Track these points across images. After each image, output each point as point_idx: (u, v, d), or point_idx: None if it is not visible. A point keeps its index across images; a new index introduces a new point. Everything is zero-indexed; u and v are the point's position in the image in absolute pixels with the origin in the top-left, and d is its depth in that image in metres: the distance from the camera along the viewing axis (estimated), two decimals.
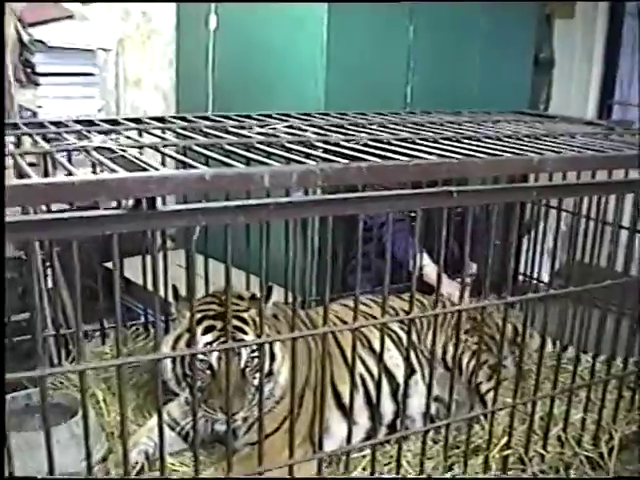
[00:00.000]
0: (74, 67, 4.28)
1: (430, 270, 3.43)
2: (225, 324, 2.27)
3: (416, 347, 2.92)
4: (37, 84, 4.13)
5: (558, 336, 2.82)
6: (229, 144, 2.07)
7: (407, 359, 2.35)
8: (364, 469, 2.44)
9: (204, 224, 1.73)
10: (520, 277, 3.89)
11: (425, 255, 3.54)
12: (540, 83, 5.22)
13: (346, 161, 1.80)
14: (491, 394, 2.60)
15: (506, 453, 2.47)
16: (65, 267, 3.23)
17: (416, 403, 2.77)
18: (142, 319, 3.22)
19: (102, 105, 4.43)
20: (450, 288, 3.39)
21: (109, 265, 3.11)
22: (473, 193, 1.99)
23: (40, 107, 4.12)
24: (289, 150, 2.06)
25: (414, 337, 2.91)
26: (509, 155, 2.04)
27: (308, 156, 1.96)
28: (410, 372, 2.72)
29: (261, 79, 4.19)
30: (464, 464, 2.40)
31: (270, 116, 2.79)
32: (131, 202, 1.61)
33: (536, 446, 2.57)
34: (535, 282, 3.70)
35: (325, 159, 1.87)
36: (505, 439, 2.48)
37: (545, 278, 3.65)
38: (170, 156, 1.95)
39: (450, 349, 2.88)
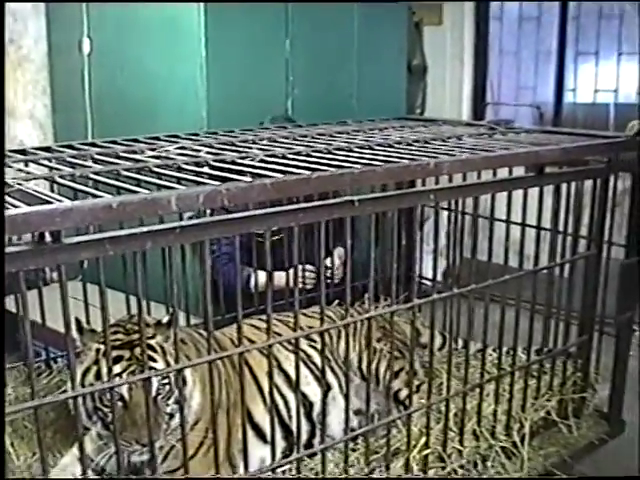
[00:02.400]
0: None
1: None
2: (132, 353, 2.26)
3: (330, 361, 2.91)
4: None
5: (461, 334, 2.91)
6: (125, 169, 2.03)
7: (323, 375, 2.37)
8: None
9: (112, 253, 1.70)
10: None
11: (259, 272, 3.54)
12: (415, 89, 5.36)
13: (249, 179, 1.80)
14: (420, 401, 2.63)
15: (425, 453, 2.51)
16: None
17: (335, 420, 2.74)
18: (43, 356, 3.10)
19: None
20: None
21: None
22: (374, 200, 2.02)
23: None
24: (187, 172, 2.04)
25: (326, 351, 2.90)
26: (406, 161, 2.08)
27: (210, 177, 1.94)
28: (326, 388, 2.71)
29: (141, 102, 4.13)
30: (386, 467, 2.42)
31: (158, 138, 2.75)
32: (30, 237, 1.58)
33: (453, 442, 2.62)
34: (427, 283, 3.77)
35: (226, 178, 1.86)
36: (423, 439, 2.52)
37: (438, 278, 3.72)
38: (68, 187, 1.89)
39: (364, 358, 2.89)
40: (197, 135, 2.85)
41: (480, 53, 5.46)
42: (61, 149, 2.53)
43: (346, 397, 2.31)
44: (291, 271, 3.29)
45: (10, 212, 1.50)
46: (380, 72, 4.72)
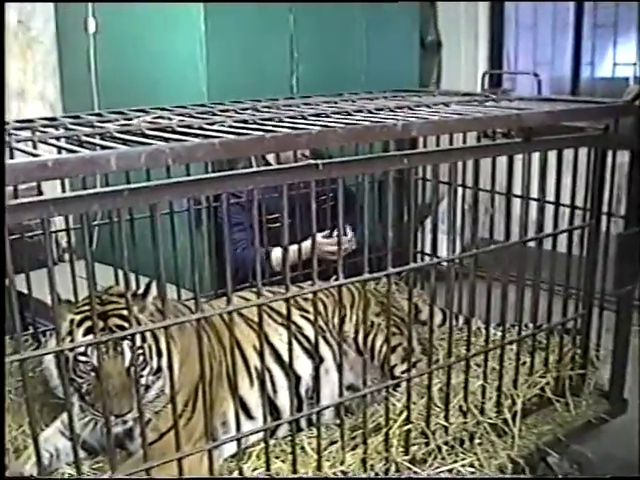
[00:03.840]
0: None
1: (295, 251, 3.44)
2: (106, 323, 2.23)
3: (325, 334, 2.86)
4: None
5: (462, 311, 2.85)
6: (85, 135, 1.99)
7: (316, 346, 2.32)
8: (258, 457, 2.39)
9: (57, 215, 1.67)
10: (427, 258, 3.89)
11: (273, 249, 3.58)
12: (430, 64, 5.27)
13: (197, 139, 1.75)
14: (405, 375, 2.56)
15: (407, 428, 2.45)
16: None
17: (327, 393, 2.67)
18: (31, 329, 3.11)
19: None
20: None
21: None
22: (340, 164, 1.96)
23: None
24: (151, 137, 1.99)
25: (321, 323, 2.84)
26: (369, 123, 2.01)
27: (166, 140, 1.89)
28: (319, 361, 2.64)
29: (145, 78, 4.11)
30: (363, 442, 2.37)
31: (144, 110, 2.71)
32: None
33: (438, 418, 2.56)
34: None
35: (180, 140, 1.81)
36: (405, 414, 2.46)
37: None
38: (21, 150, 1.86)
39: (361, 331, 2.83)
40: (184, 107, 2.81)
41: (496, 27, 5.33)
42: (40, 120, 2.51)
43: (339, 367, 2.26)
44: (306, 243, 3.34)
45: None
46: (391, 47, 4.63)
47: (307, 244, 3.38)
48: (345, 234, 3.67)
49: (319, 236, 3.57)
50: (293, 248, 3.34)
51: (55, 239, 4.48)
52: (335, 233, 3.57)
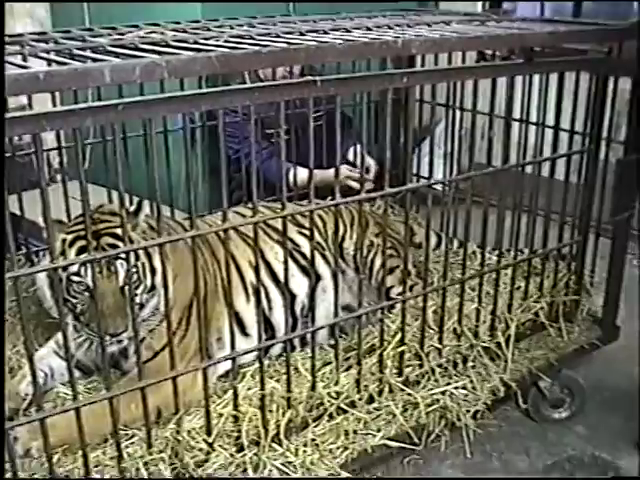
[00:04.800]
0: None
1: (319, 175, 3.36)
2: (99, 243, 2.19)
3: (324, 251, 2.84)
4: None
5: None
6: (77, 48, 1.93)
7: (312, 261, 2.30)
8: (252, 377, 2.40)
9: (48, 129, 1.63)
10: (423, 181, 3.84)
11: (300, 168, 3.51)
12: None
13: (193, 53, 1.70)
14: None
15: (400, 349, 2.46)
16: None
17: (322, 312, 2.62)
18: (23, 250, 3.08)
19: None
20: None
21: None
22: (338, 81, 1.92)
23: None
24: (144, 51, 1.94)
25: (320, 240, 2.83)
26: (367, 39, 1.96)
27: (159, 54, 1.84)
28: (316, 279, 2.62)
29: None
30: (358, 364, 2.37)
31: (137, 26, 2.64)
32: None
33: (432, 341, 2.57)
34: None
35: (174, 54, 1.76)
36: (399, 336, 2.46)
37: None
38: (11, 63, 1.81)
39: (363, 249, 2.81)
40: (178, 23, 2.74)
41: None
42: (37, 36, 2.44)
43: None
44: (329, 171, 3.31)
45: None
46: None
47: (330, 172, 3.32)
48: (368, 169, 3.66)
49: (344, 167, 3.57)
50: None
51: (47, 160, 4.43)
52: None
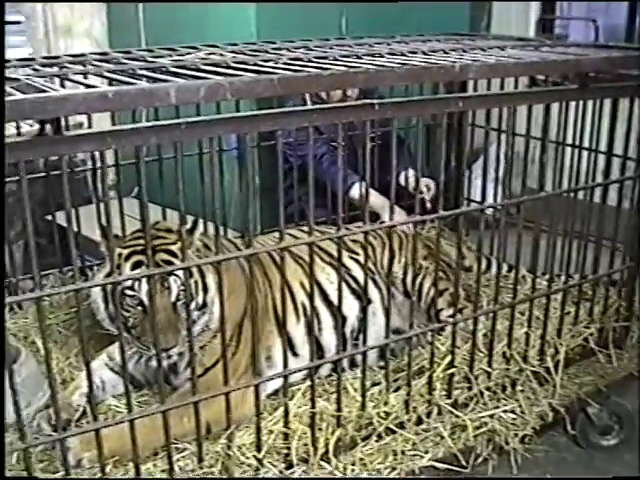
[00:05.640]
0: None
1: (372, 198, 3.37)
2: (153, 258, 2.23)
3: (374, 275, 2.86)
4: None
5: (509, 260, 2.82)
6: (141, 69, 1.98)
7: (365, 290, 2.33)
8: (303, 395, 2.42)
9: (114, 147, 1.67)
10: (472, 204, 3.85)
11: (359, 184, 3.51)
12: (480, 9, 5.13)
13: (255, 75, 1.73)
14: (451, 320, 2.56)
15: (450, 372, 2.46)
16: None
17: (372, 336, 2.65)
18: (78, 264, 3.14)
19: (30, 53, 4.29)
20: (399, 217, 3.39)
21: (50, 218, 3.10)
22: (395, 105, 1.94)
23: None
24: (205, 72, 1.98)
25: (369, 264, 2.84)
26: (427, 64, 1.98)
27: (222, 75, 1.88)
28: (367, 302, 2.66)
29: (193, 17, 4.08)
30: (407, 385, 2.38)
31: (195, 47, 2.70)
32: (36, 128, 1.56)
33: (481, 364, 2.57)
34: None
35: (236, 75, 1.79)
36: (449, 358, 2.47)
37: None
38: (76, 81, 1.86)
39: (410, 273, 2.83)
40: (235, 45, 2.79)
41: None
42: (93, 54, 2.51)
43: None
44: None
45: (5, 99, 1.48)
46: None
47: (381, 201, 3.43)
48: (428, 187, 3.68)
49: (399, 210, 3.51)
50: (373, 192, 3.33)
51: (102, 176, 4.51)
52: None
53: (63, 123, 1.59)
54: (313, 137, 1.91)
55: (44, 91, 1.59)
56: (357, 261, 2.81)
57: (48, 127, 1.58)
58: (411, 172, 3.71)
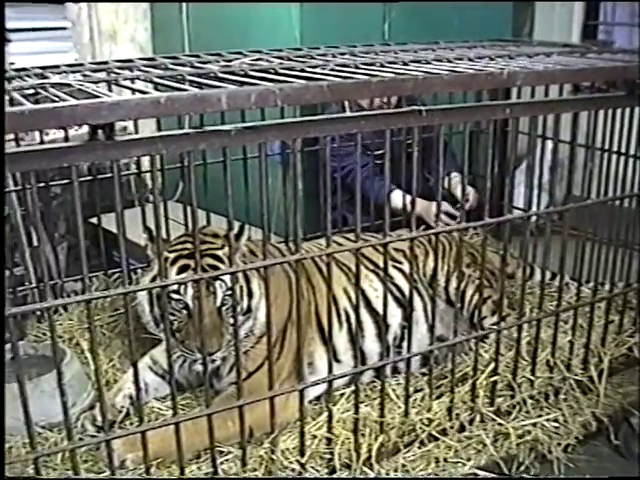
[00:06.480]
0: (45, 22, 4.20)
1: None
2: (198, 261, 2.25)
3: (416, 284, 2.84)
4: (8, 40, 4.04)
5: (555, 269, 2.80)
6: (190, 74, 2.00)
7: (410, 300, 2.32)
8: (347, 400, 2.42)
9: (164, 152, 1.69)
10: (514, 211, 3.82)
11: (399, 191, 3.50)
12: (522, 14, 5.10)
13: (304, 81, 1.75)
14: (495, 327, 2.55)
15: (493, 379, 2.45)
16: (47, 225, 3.25)
17: (414, 343, 2.57)
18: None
19: (76, 59, 4.35)
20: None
21: (93, 221, 3.13)
22: (442, 111, 1.94)
23: (12, 64, 4.03)
24: (252, 77, 2.00)
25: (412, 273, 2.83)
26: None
27: (270, 81, 1.89)
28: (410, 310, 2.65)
29: (237, 22, 4.10)
30: (450, 392, 2.38)
31: (241, 52, 2.72)
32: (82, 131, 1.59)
33: (524, 372, 2.55)
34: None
35: (285, 82, 1.81)
36: (492, 365, 2.46)
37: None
38: (125, 87, 1.89)
39: (453, 281, 2.83)
40: (280, 51, 2.81)
41: None
42: (140, 60, 2.54)
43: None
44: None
45: (56, 104, 1.51)
46: None
47: (426, 204, 3.43)
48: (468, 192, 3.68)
49: (444, 204, 3.51)
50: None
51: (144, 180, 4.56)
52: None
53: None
54: (354, 148, 1.92)
55: (96, 97, 1.61)
56: (399, 270, 2.81)
57: (100, 132, 1.60)
58: (454, 174, 3.70)
